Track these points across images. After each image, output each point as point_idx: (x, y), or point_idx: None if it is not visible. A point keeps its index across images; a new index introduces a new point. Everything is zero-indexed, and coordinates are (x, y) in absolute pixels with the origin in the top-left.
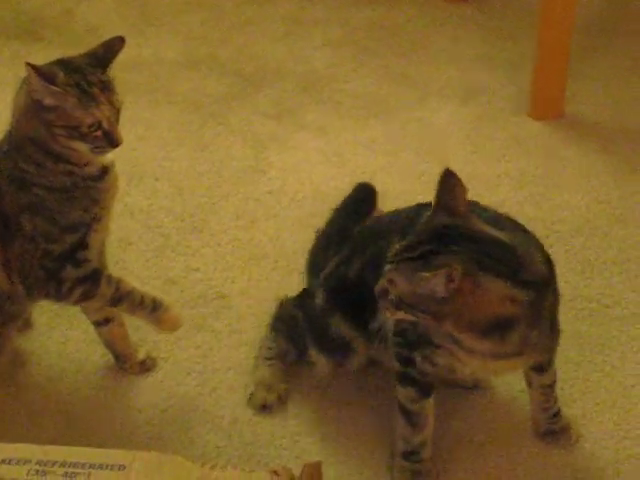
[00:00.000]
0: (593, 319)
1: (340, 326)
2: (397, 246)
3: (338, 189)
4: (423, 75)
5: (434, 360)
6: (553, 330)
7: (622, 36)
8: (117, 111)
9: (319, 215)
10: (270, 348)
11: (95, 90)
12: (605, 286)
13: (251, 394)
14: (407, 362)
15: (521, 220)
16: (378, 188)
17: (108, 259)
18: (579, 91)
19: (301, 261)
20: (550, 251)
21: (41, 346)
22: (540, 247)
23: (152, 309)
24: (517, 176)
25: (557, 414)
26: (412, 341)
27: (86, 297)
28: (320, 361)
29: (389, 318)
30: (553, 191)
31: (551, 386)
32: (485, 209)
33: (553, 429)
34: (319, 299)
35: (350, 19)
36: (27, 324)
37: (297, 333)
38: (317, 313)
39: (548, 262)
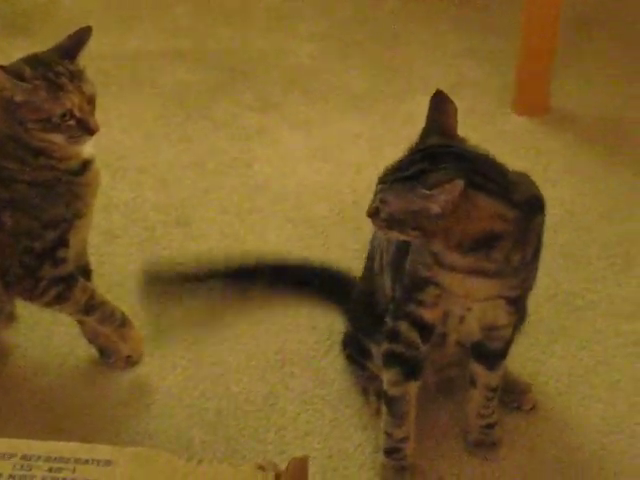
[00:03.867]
0: (578, 314)
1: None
2: (388, 167)
3: (323, 184)
4: (407, 68)
5: (419, 315)
6: (532, 267)
7: (606, 30)
8: (90, 98)
9: (304, 209)
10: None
11: (63, 80)
12: (590, 281)
13: None
14: (393, 336)
15: None
16: (363, 183)
17: (92, 253)
18: (563, 85)
19: (285, 255)
20: None
21: (25, 340)
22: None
23: (120, 324)
24: None
25: (492, 426)
26: (400, 302)
27: (60, 299)
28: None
29: (382, 236)
30: (538, 185)
31: (495, 390)
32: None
33: (483, 441)
34: None
35: (335, 12)
36: (10, 317)
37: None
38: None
39: (537, 189)
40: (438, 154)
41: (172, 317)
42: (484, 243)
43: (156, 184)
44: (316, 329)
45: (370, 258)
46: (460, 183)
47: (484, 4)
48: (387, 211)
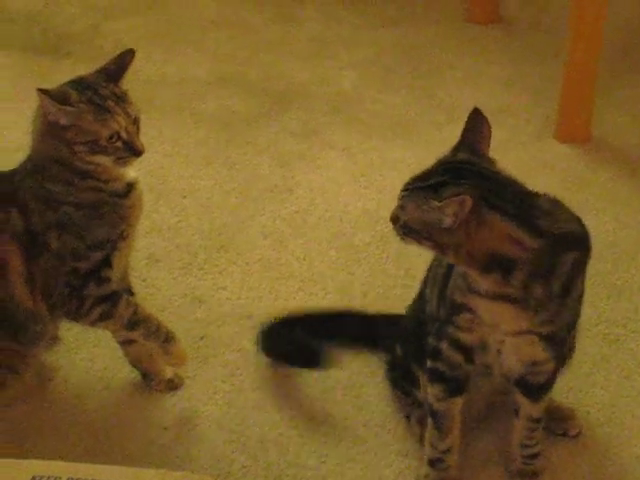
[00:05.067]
0: (620, 344)
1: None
2: (414, 175)
3: (365, 209)
4: (450, 96)
5: (457, 337)
6: (565, 303)
7: None
8: (135, 120)
9: (346, 235)
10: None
11: (109, 103)
12: (632, 311)
13: None
14: (435, 355)
15: None
16: None
17: (134, 276)
18: (606, 115)
19: (327, 281)
20: None
21: (68, 363)
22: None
23: (165, 339)
24: None
25: (536, 456)
26: (442, 323)
27: (105, 317)
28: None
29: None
30: (579, 215)
31: (538, 421)
32: None
33: (525, 470)
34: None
35: (377, 39)
36: (54, 339)
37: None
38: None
39: (581, 227)
40: (461, 169)
41: None
42: (497, 264)
43: (199, 209)
44: (358, 356)
45: (424, 286)
46: (468, 199)
47: (527, 33)
48: (404, 218)
